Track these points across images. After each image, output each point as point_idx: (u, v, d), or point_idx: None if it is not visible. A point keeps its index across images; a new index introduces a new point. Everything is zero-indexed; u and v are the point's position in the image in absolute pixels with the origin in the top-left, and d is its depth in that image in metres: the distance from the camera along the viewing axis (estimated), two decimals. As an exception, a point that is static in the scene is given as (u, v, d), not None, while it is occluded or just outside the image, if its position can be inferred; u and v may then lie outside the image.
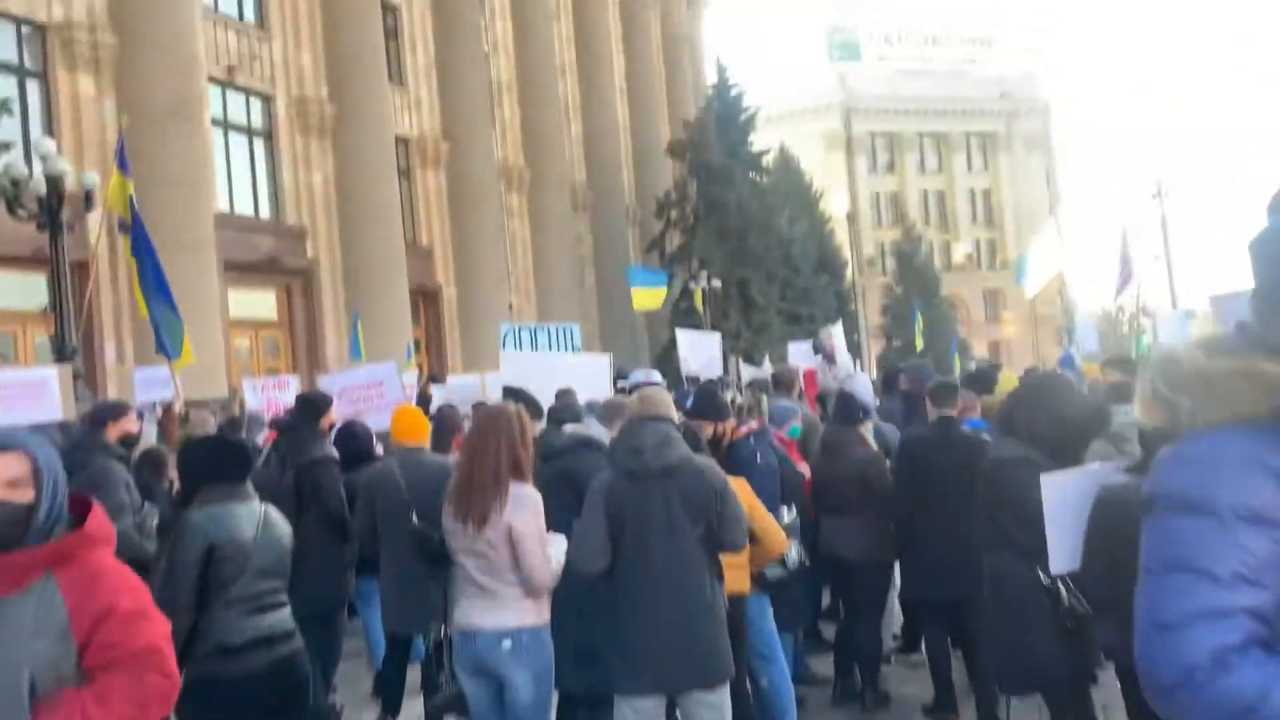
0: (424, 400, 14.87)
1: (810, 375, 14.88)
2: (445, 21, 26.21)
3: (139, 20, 17.14)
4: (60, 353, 12.39)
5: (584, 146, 33.25)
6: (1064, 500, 3.30)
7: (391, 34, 25.19)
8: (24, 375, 8.80)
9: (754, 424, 5.01)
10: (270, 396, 14.42)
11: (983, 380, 6.60)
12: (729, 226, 30.94)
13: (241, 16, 20.99)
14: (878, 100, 66.01)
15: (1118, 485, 3.01)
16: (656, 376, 8.63)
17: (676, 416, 3.94)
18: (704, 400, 5.06)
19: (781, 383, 7.53)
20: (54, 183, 12.18)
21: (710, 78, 38.80)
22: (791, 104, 63.99)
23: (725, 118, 34.56)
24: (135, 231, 11.04)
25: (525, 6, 29.90)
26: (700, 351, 13.86)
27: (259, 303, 21.39)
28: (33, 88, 17.21)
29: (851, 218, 51.13)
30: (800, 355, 18.09)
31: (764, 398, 5.73)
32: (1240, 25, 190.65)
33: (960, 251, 67.29)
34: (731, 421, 4.81)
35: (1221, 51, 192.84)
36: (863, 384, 6.17)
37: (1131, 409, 5.04)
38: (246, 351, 20.90)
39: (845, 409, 5.61)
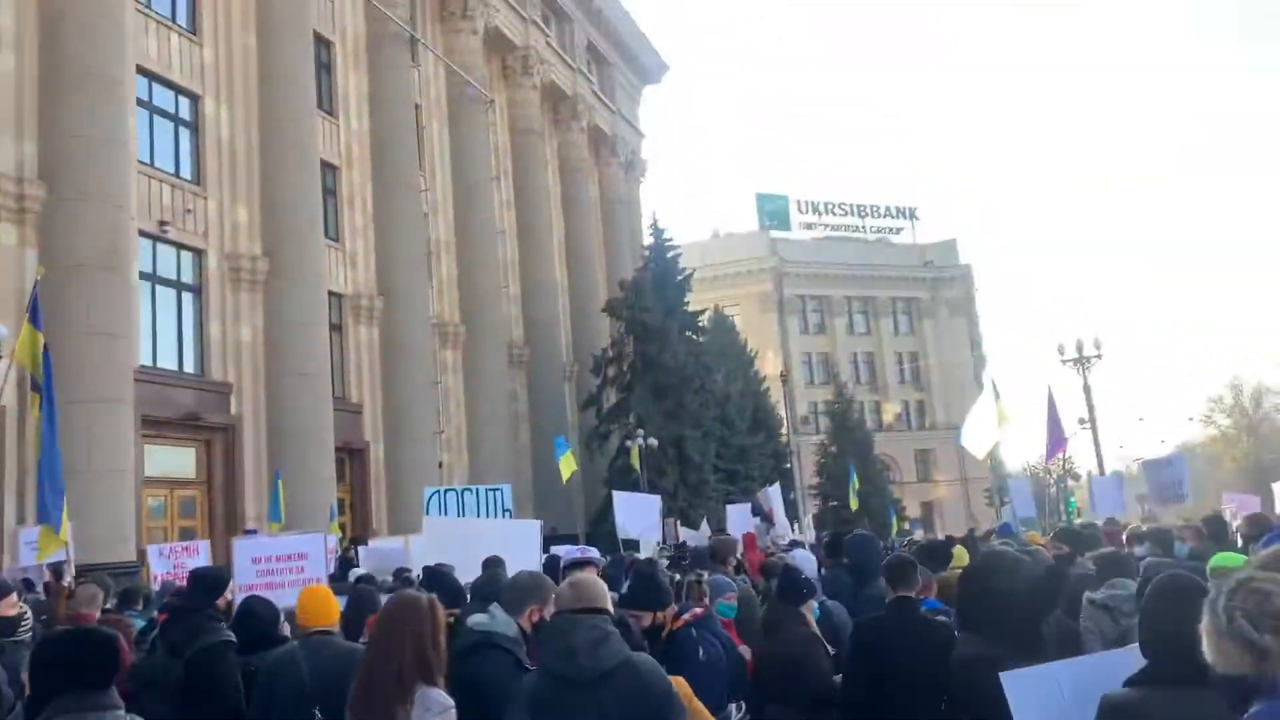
0: (346, 564, 14.15)
1: (750, 539, 14.47)
2: (385, 182, 26.51)
3: (71, 171, 16.91)
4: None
5: (521, 304, 33.41)
6: (1029, 698, 3.05)
7: (330, 192, 25.33)
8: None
9: (697, 610, 4.51)
10: (179, 562, 13.58)
11: (937, 555, 6.21)
12: (665, 384, 30.97)
13: (178, 172, 20.90)
14: (807, 265, 68.09)
15: (1128, 701, 2.65)
16: (594, 553, 8.08)
17: (611, 605, 3.52)
18: (642, 586, 4.53)
19: (718, 555, 7.11)
20: (-40, 334, 11.60)
21: (647, 239, 39.67)
22: (725, 267, 65.68)
23: (662, 277, 35.15)
24: (44, 387, 10.47)
25: (466, 169, 30.47)
26: (638, 515, 13.39)
27: (177, 460, 20.52)
28: (-49, 237, 16.75)
29: (785, 377, 51.80)
30: (739, 517, 17.77)
31: (705, 577, 5.32)
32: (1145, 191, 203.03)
33: (890, 412, 68.35)
34: (672, 608, 4.36)
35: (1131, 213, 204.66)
36: (805, 559, 5.75)
37: (1129, 583, 4.82)
38: (161, 511, 19.90)
39: (790, 587, 5.22)
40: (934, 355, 69.41)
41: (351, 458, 24.86)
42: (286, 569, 8.23)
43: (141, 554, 15.34)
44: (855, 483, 30.34)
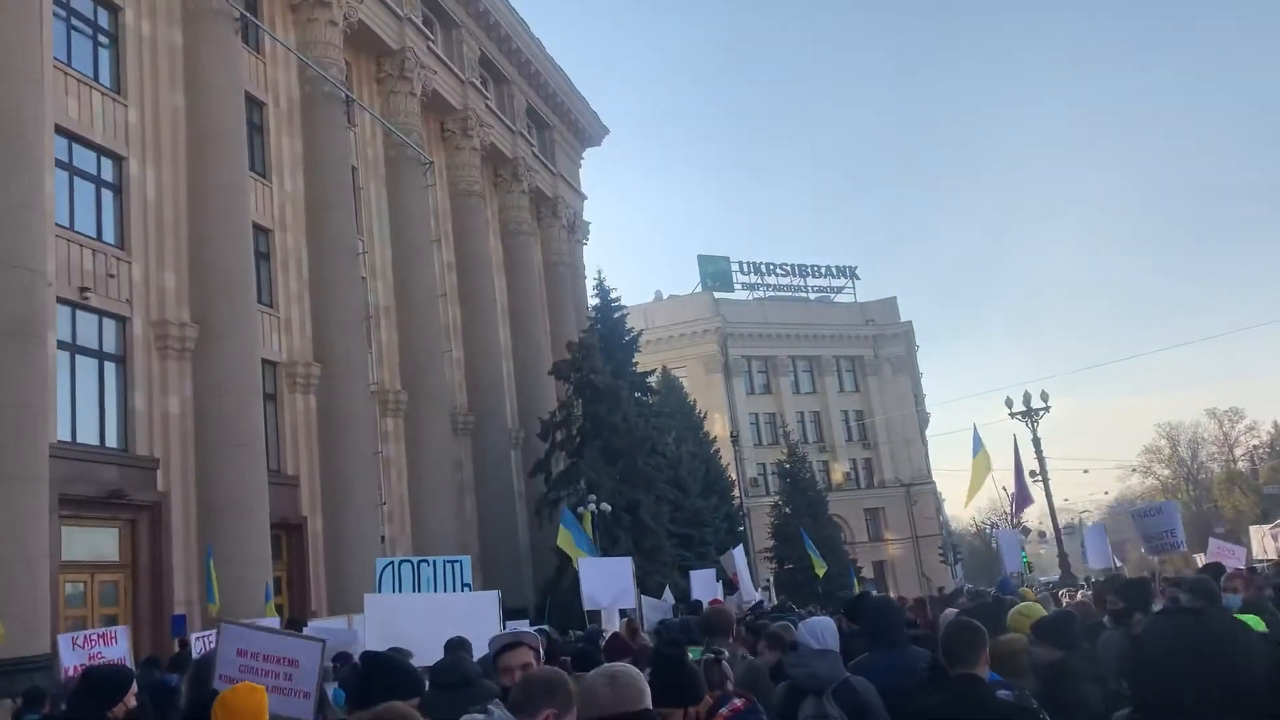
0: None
1: (717, 605, 13.60)
2: (321, 245, 25.58)
3: (-21, 236, 15.82)
4: None
5: (465, 369, 32.44)
6: None
7: (264, 255, 24.34)
8: None
9: (737, 704, 3.48)
10: (95, 653, 12.32)
11: (993, 617, 5.20)
12: (617, 447, 30.09)
13: (100, 236, 19.82)
14: (751, 326, 68.06)
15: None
16: (526, 633, 7.04)
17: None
18: (671, 675, 3.47)
19: (716, 628, 6.17)
20: None
21: (592, 299, 39.06)
22: (669, 329, 65.34)
23: (609, 339, 34.50)
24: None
25: (405, 232, 29.67)
26: (608, 582, 12.38)
27: (98, 542, 19.10)
28: None
29: (735, 438, 51.19)
30: (702, 583, 16.91)
31: (724, 656, 4.48)
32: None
33: (839, 471, 68.03)
34: (708, 701, 3.49)
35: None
36: (823, 627, 4.88)
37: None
38: (80, 598, 18.43)
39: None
40: (880, 413, 69.47)
41: (288, 533, 23.54)
42: (273, 672, 7.06)
43: (56, 646, 14.00)
44: (814, 548, 29.29)
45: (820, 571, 23.37)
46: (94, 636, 12.17)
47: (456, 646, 5.96)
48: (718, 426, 56.54)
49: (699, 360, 65.51)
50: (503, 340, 35.00)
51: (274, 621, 15.98)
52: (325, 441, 24.52)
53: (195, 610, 19.04)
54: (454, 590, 9.41)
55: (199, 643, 11.32)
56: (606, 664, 2.80)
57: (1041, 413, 36.47)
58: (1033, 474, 36.54)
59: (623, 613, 12.39)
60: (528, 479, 32.52)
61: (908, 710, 4.07)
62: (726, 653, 4.76)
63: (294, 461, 24.04)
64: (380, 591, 9.83)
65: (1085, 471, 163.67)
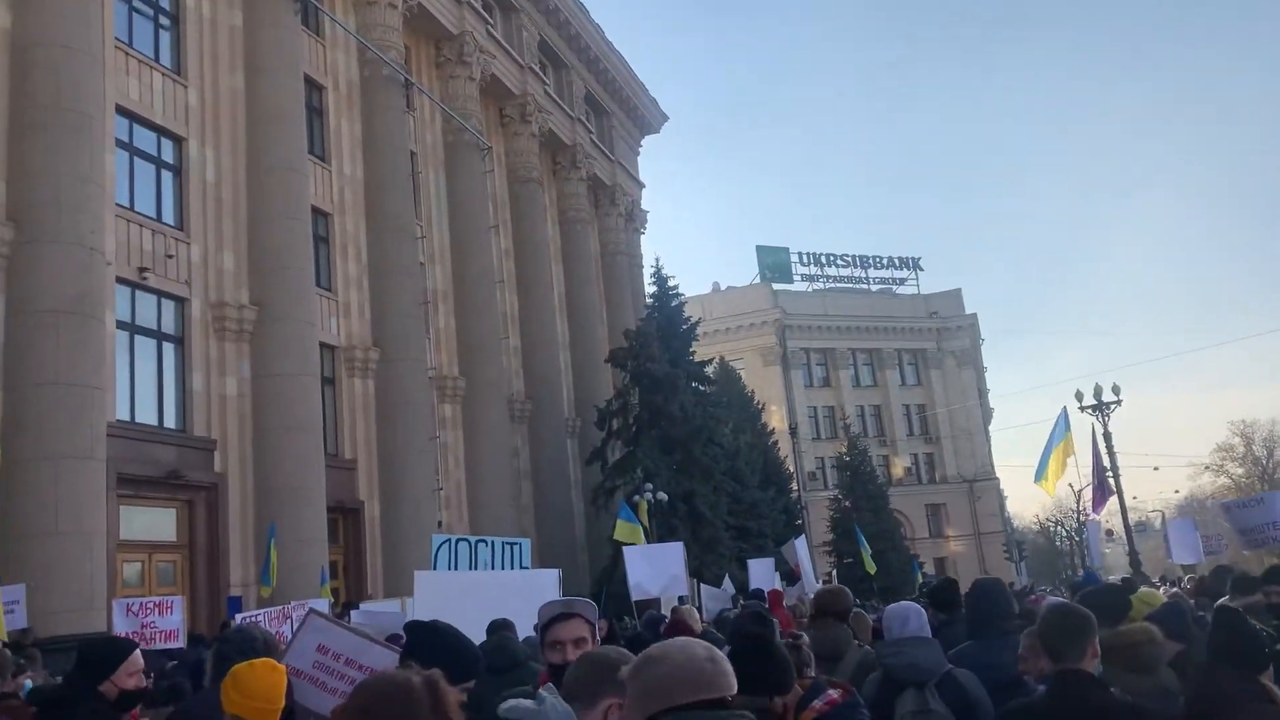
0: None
1: (776, 597, 13.06)
2: (379, 229, 25.44)
3: (40, 212, 15.81)
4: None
5: (522, 357, 32.19)
6: None
7: (322, 239, 24.25)
8: None
9: (833, 695, 2.98)
10: (148, 621, 12.19)
11: (1111, 604, 4.41)
12: (673, 437, 29.58)
13: (159, 217, 19.80)
14: (810, 318, 67.10)
15: None
16: (579, 604, 6.54)
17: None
18: (755, 658, 2.87)
19: (829, 609, 5.38)
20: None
21: (649, 288, 38.58)
22: (727, 321, 64.68)
23: (666, 328, 33.97)
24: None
25: (463, 218, 29.45)
26: (657, 569, 11.86)
27: (156, 522, 19.09)
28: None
29: (794, 430, 50.40)
30: (762, 573, 16.39)
31: (804, 639, 3.93)
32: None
33: (900, 466, 66.82)
34: (797, 690, 2.95)
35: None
36: (911, 612, 4.33)
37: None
38: (137, 577, 18.43)
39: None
40: (942, 406, 68.09)
41: (345, 517, 23.43)
42: (349, 678, 6.52)
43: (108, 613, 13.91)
44: (865, 544, 28.34)
45: (871, 570, 22.59)
46: (149, 605, 12.05)
47: (501, 627, 5.49)
48: (775, 419, 55.83)
49: (757, 352, 64.76)
50: (559, 328, 34.70)
51: (324, 603, 15.80)
52: (383, 426, 24.38)
53: (251, 592, 18.99)
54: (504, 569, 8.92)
55: (242, 623, 11.08)
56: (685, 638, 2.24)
57: (1113, 406, 35.20)
58: (1107, 469, 35.28)
59: (681, 600, 11.89)
60: (584, 467, 32.19)
61: (1005, 709, 3.54)
62: (806, 638, 4.22)
63: (351, 446, 23.94)
64: (436, 570, 9.37)
65: (1156, 469, 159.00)
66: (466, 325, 28.72)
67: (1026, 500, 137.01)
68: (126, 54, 19.50)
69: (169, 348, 19.69)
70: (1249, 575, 6.43)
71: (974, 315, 71.74)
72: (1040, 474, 14.09)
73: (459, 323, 28.75)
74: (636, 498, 25.72)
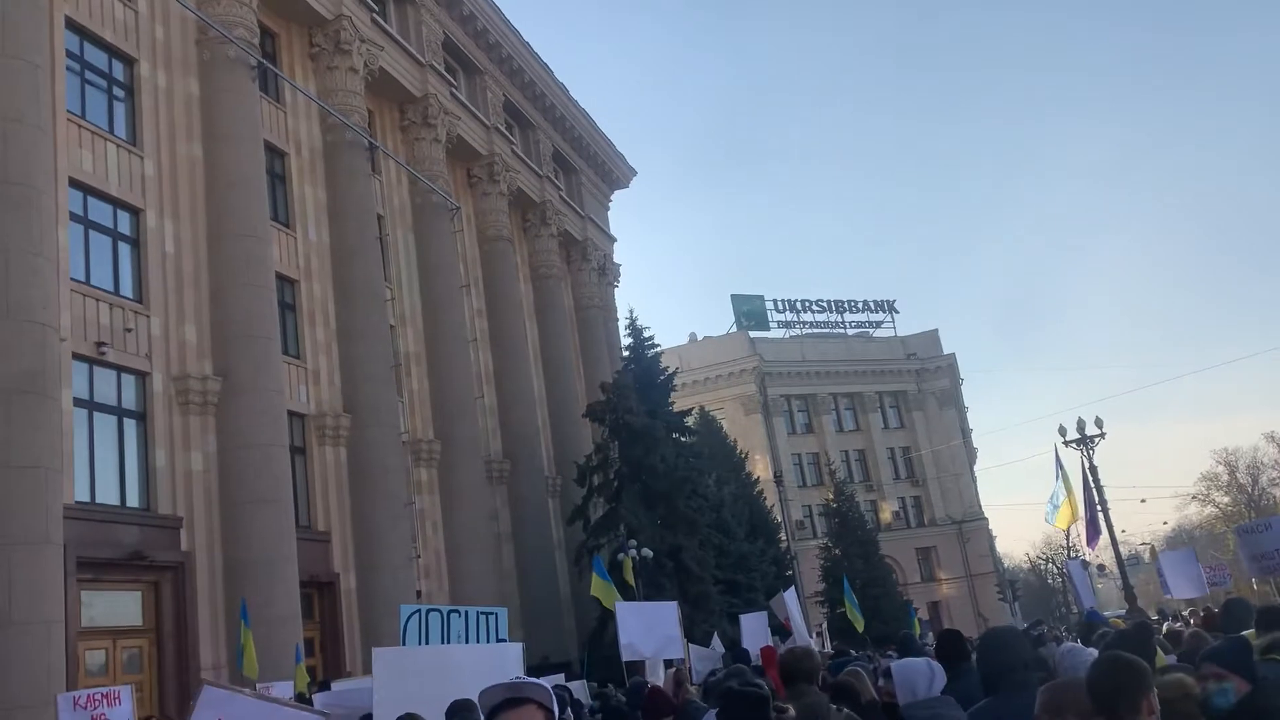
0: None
1: (770, 654, 12.46)
2: (348, 293, 25.00)
3: (-12, 290, 15.28)
4: None
5: (498, 415, 31.63)
6: None
7: (289, 306, 23.77)
8: None
9: None
10: (98, 714, 11.43)
11: (1134, 648, 3.75)
12: (656, 490, 28.99)
13: (117, 290, 19.28)
14: (789, 364, 66.86)
15: None
16: (530, 687, 5.92)
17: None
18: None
19: (797, 674, 4.86)
20: None
21: (625, 340, 38.22)
22: (705, 371, 64.34)
23: (644, 379, 33.56)
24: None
25: (434, 278, 29.08)
26: (651, 629, 11.20)
27: (120, 606, 18.31)
28: None
29: (779, 479, 49.82)
30: (754, 629, 15.74)
31: (788, 712, 3.46)
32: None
33: (888, 510, 66.23)
34: None
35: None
36: (921, 671, 3.89)
37: None
38: (100, 666, 17.58)
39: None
40: (926, 448, 67.76)
41: (320, 591, 22.65)
42: None
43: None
44: (854, 598, 26.60)
45: (859, 626, 21.48)
46: (97, 696, 11.28)
47: (461, 709, 4.96)
48: (760, 468, 55.25)
49: (737, 401, 64.34)
50: (535, 385, 34.23)
51: (286, 686, 15.04)
52: (356, 495, 23.72)
53: (224, 675, 18.15)
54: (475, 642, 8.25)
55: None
56: None
57: (1097, 440, 34.92)
58: (1099, 504, 34.86)
59: (668, 663, 11.27)
60: (566, 526, 31.51)
61: None
62: (792, 710, 3.73)
63: (324, 516, 23.23)
64: (406, 645, 8.70)
65: (1143, 501, 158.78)
66: (440, 386, 28.21)
67: (1015, 539, 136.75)
68: (80, 126, 19.13)
69: (130, 424, 19.06)
70: (1276, 608, 5.94)
71: (952, 355, 71.77)
72: (1054, 514, 13.68)
73: (432, 384, 28.23)
74: (621, 555, 25.02)
